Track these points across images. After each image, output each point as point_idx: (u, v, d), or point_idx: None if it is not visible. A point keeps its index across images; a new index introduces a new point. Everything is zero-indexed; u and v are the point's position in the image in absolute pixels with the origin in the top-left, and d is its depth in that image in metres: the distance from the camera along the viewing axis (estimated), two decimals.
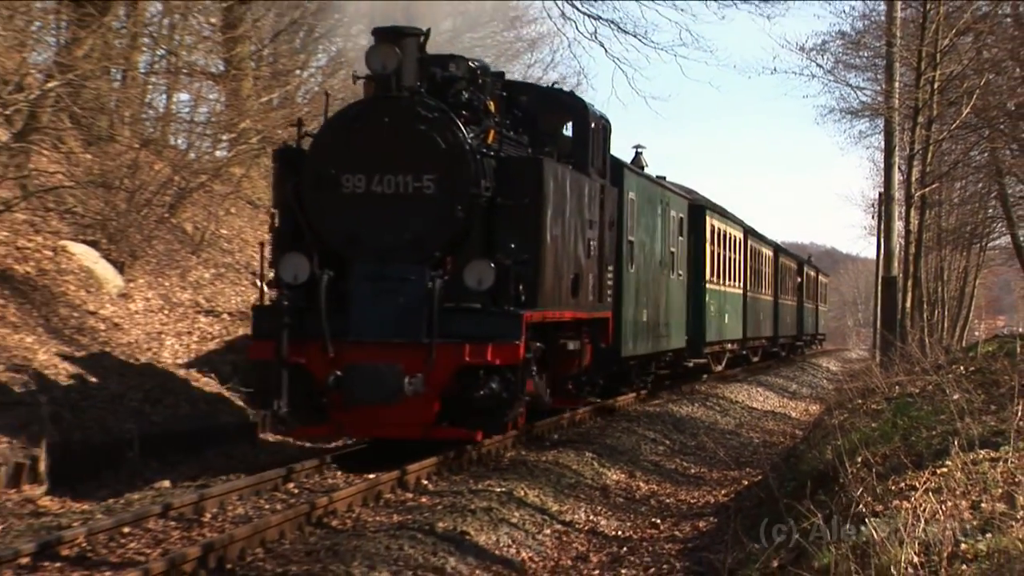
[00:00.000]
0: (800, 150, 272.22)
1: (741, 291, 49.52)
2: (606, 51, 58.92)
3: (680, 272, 38.14)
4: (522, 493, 18.80)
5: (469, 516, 16.56)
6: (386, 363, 19.50)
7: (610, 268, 27.86)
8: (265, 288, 22.40)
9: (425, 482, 19.43)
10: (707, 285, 41.89)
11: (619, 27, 47.41)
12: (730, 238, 47.68)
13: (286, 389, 19.61)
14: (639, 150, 37.62)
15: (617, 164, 30.31)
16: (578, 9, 41.37)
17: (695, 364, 41.54)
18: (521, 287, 20.65)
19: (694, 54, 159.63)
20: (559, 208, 22.60)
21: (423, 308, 19.90)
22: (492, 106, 22.98)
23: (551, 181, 22.06)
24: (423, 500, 18.04)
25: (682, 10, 77.47)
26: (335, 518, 16.38)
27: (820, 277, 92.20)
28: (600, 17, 43.38)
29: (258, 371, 21.29)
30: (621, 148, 43.38)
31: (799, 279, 72.62)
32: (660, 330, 34.87)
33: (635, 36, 47.31)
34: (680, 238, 38.30)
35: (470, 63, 22.94)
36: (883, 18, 42.79)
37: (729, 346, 47.82)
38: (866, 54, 50.40)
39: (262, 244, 24.06)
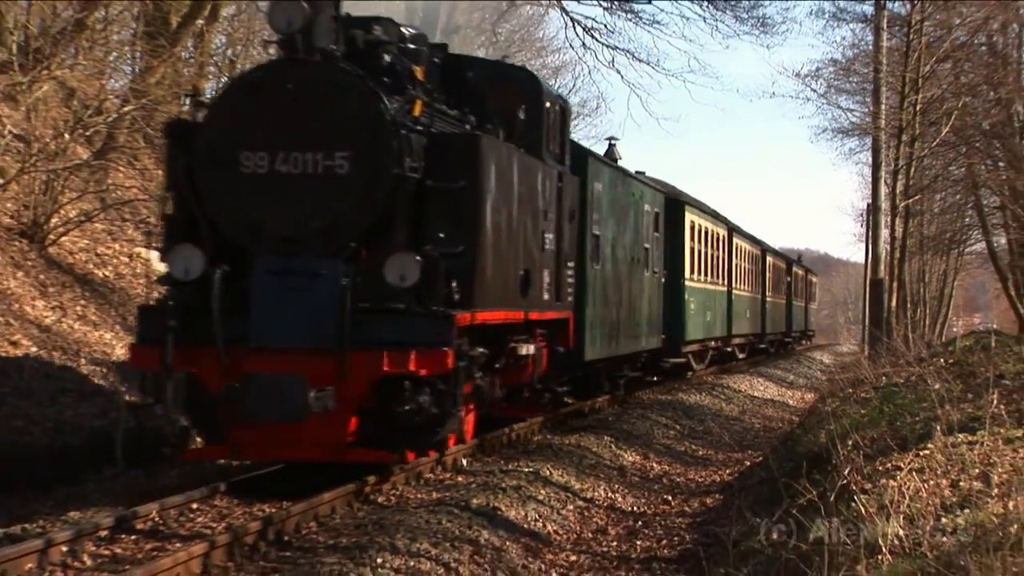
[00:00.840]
0: (796, 165, 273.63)
1: (725, 288, 44.98)
2: (622, 77, 59.17)
3: (656, 269, 33.10)
4: (548, 473, 18.79)
5: (500, 493, 16.56)
6: (288, 373, 15.21)
7: (571, 264, 23.18)
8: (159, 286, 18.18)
9: (462, 463, 19.41)
10: (686, 282, 36.74)
11: (634, 56, 47.46)
12: (713, 235, 42.47)
13: (172, 404, 15.61)
14: (612, 142, 33.58)
15: (580, 152, 25.90)
16: (597, 40, 41.35)
17: (673, 364, 36.36)
18: (454, 284, 16.36)
19: (701, 80, 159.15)
20: (504, 194, 18.41)
21: (335, 309, 15.60)
22: (419, 73, 18.25)
23: (491, 162, 17.72)
24: (459, 479, 18.04)
25: (690, 40, 78.28)
26: (381, 495, 16.38)
27: (810, 276, 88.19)
28: (617, 47, 43.38)
29: (141, 383, 16.52)
30: (631, 163, 38.28)
31: (788, 278, 68.78)
32: (633, 330, 30.18)
33: (648, 64, 47.36)
34: (656, 234, 33.26)
35: (403, 29, 18.88)
36: (871, 47, 42.70)
37: (712, 344, 43.00)
38: (855, 79, 50.50)
39: (149, 235, 21.42)
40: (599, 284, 26.37)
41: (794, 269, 72.29)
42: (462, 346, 16.41)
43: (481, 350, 17.67)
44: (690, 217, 37.50)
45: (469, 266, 16.78)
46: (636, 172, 34.02)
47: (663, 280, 34.11)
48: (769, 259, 59.50)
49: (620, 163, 32.09)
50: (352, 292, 15.54)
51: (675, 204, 36.37)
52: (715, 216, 44.53)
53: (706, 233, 40.71)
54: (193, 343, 15.60)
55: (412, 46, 18.66)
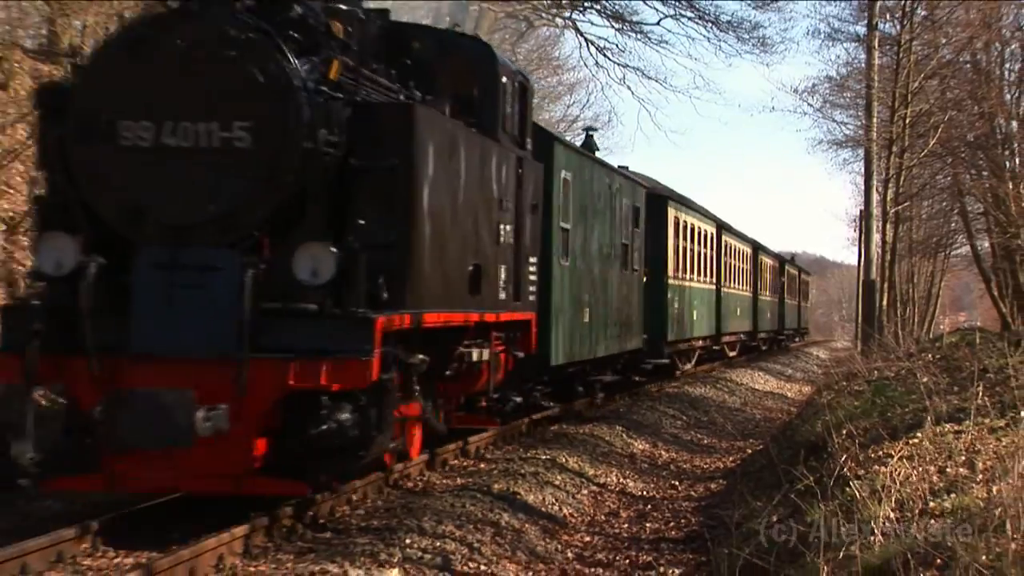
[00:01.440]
0: (794, 174, 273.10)
1: (713, 287, 41.02)
2: (632, 93, 58.98)
3: (636, 267, 29.35)
4: (564, 460, 18.79)
5: (520, 479, 16.56)
6: (171, 388, 11.92)
7: (534, 260, 19.44)
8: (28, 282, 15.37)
9: (483, 451, 19.38)
10: (669, 280, 32.76)
11: (643, 73, 47.54)
12: (699, 232, 38.40)
13: (32, 424, 12.15)
14: (590, 132, 30.56)
15: (546, 137, 22.13)
16: (609, 58, 41.42)
17: (655, 365, 32.16)
18: (382, 281, 12.91)
19: (706, 95, 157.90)
20: (447, 177, 14.72)
21: (233, 310, 12.22)
22: (337, 29, 14.32)
23: (430, 138, 14.08)
24: (481, 466, 18.04)
25: (696, 59, 77.59)
26: (409, 480, 16.38)
27: (803, 276, 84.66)
28: (627, 65, 43.48)
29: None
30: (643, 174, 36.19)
31: (782, 278, 65.86)
32: (610, 331, 26.56)
33: (657, 80, 47.70)
34: (636, 229, 29.40)
35: None
36: (863, 65, 42.68)
37: (699, 343, 39.06)
38: (849, 95, 50.54)
39: (11, 220, 17.86)
40: (568, 282, 22.94)
41: (787, 268, 69.72)
42: (391, 354, 12.85)
43: (421, 357, 14.20)
44: (673, 213, 33.90)
45: (402, 260, 13.36)
46: (619, 167, 30.68)
47: (644, 278, 30.67)
48: (761, 258, 56.79)
49: (598, 156, 29.08)
50: (254, 290, 12.28)
51: (657, 199, 32.74)
52: (703, 213, 40.73)
53: (692, 230, 36.95)
54: (64, 351, 12.35)
55: (337, 5, 14.88)
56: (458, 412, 18.29)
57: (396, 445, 13.90)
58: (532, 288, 19.50)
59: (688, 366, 38.32)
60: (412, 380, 14.07)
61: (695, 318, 36.72)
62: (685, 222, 35.74)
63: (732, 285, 45.78)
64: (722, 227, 43.79)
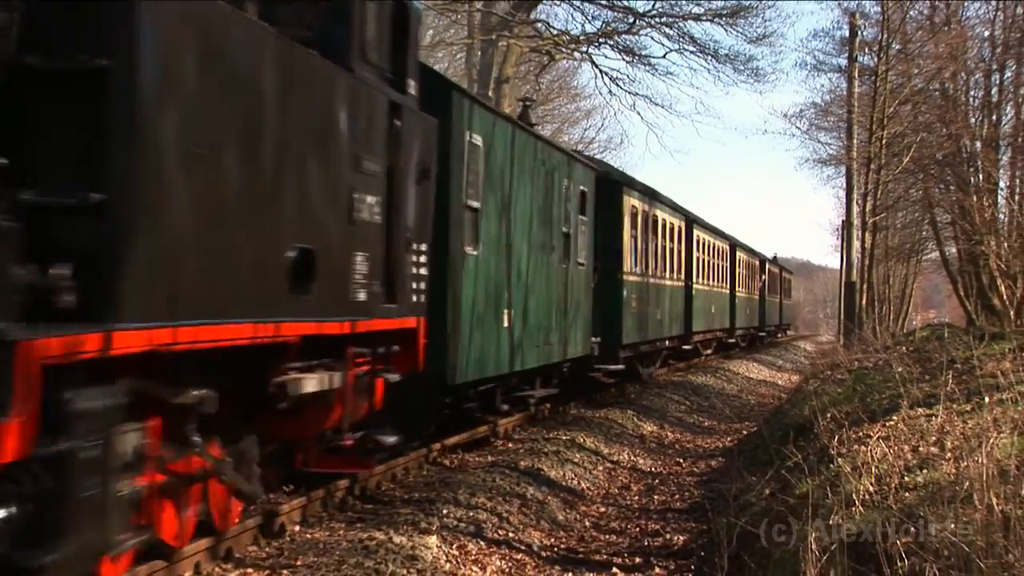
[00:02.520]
0: (784, 187, 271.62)
1: (682, 284, 34.24)
2: (642, 118, 59.33)
3: (582, 260, 22.44)
4: (582, 440, 18.79)
5: (543, 457, 16.57)
6: None
7: (422, 247, 12.59)
8: None
9: (511, 432, 19.38)
10: (625, 276, 25.73)
11: (651, 100, 48.38)
12: (665, 225, 31.06)
13: None
14: (526, 104, 23.56)
15: (443, 86, 15.51)
16: (621, 87, 41.45)
17: (606, 373, 25.15)
18: (68, 270, 6.71)
19: (706, 119, 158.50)
20: (234, 107, 8.22)
21: None
22: None
23: (188, 36, 7.53)
24: (509, 445, 18.04)
25: (697, 87, 78.97)
26: (446, 458, 16.40)
27: (784, 274, 79.02)
28: (637, 93, 43.94)
29: None
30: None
31: (763, 275, 60.43)
32: (548, 336, 20.09)
33: (663, 107, 48.19)
34: (582, 217, 22.47)
35: None
36: (844, 93, 42.72)
37: (665, 344, 31.59)
38: (832, 119, 51.11)
39: None
40: (481, 278, 16.52)
41: (768, 266, 64.33)
42: (81, 402, 6.67)
43: (206, 392, 8.39)
44: (631, 201, 26.84)
45: (117, 234, 6.96)
46: (576, 152, 25.47)
47: (593, 274, 23.96)
48: (740, 255, 50.83)
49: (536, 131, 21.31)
50: None
51: (611, 185, 25.58)
52: (671, 207, 33.28)
53: (654, 222, 29.65)
54: None
55: None
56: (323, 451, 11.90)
57: (134, 539, 7.90)
58: (419, 285, 12.72)
59: (651, 369, 30.81)
60: (188, 427, 8.42)
61: (660, 317, 29.77)
62: (647, 213, 28.63)
63: (705, 282, 39.61)
64: (693, 221, 37.02)
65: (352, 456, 12.05)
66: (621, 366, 25.51)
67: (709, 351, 43.14)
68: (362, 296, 10.89)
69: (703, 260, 38.52)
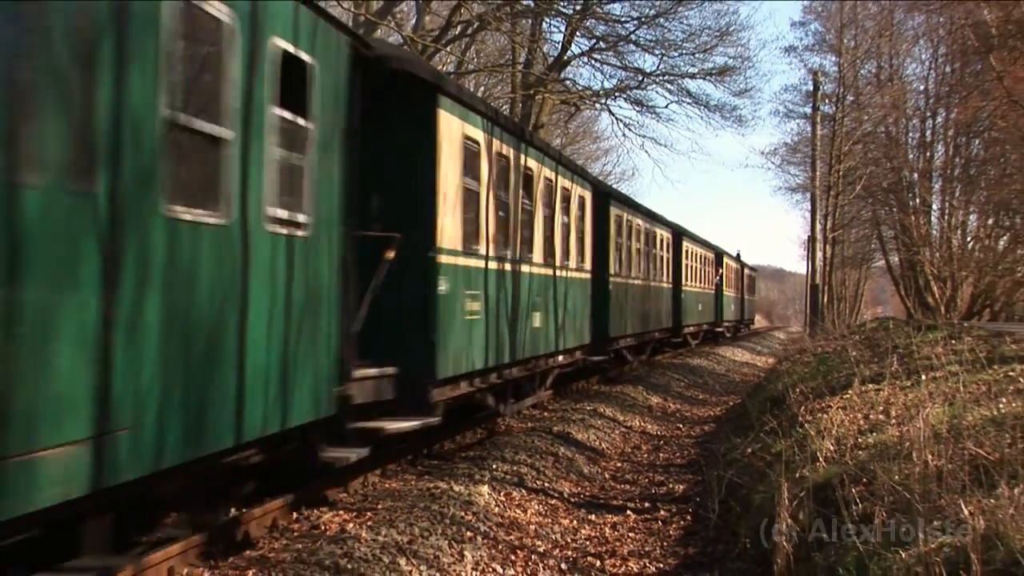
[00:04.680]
0: (762, 208, 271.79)
1: (588, 275, 20.33)
2: (648, 155, 59.81)
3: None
4: (602, 410, 18.73)
5: (571, 423, 16.52)
6: None
7: None
8: None
9: (547, 404, 19.33)
10: (441, 258, 11.33)
11: (656, 141, 48.27)
12: (553, 190, 17.34)
13: None
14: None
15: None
16: (632, 131, 41.71)
17: (408, 428, 10.53)
18: None
19: (700, 156, 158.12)
20: None
21: None
22: None
23: None
24: (545, 414, 17.99)
25: (692, 131, 78.12)
26: (496, 426, 16.37)
27: (747, 271, 65.10)
28: (645, 136, 44.29)
29: None
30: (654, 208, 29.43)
31: (720, 269, 46.60)
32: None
33: (665, 146, 48.32)
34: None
35: None
36: (810, 135, 42.61)
37: (558, 360, 18.27)
38: (799, 155, 51.19)
39: None
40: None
41: (726, 261, 49.58)
42: None
43: None
44: (489, 139, 13.24)
45: None
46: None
47: (338, 253, 9.23)
48: (688, 246, 35.98)
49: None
50: None
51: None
52: (569, 167, 19.07)
53: (540, 182, 16.31)
54: None
55: None
56: None
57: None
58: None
59: (513, 407, 16.13)
60: None
61: (539, 324, 16.06)
62: (521, 163, 15.27)
63: (630, 273, 25.00)
64: (609, 195, 23.32)
65: None
66: (442, 399, 11.98)
67: (644, 355, 28.89)
68: None
69: (630, 248, 24.84)
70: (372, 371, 10.13)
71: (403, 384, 10.74)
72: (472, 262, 12.63)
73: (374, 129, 10.65)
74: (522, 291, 15.10)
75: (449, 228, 11.65)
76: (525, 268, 15.31)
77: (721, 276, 46.33)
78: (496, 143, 13.75)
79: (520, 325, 15.01)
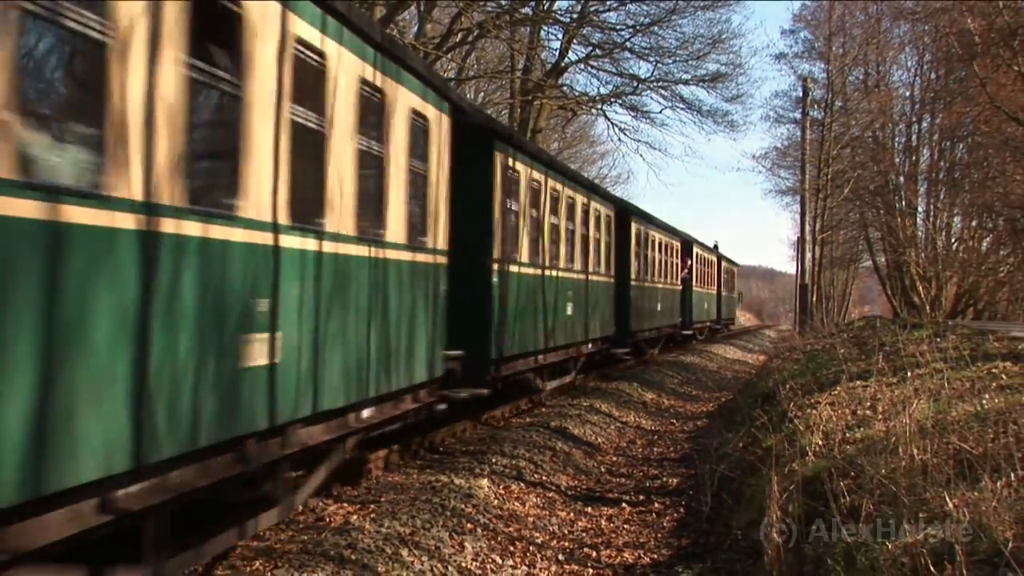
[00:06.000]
0: (754, 210, 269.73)
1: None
2: (643, 159, 60.20)
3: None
4: (598, 406, 18.74)
5: (568, 419, 16.52)
6: None
7: None
8: None
9: (546, 399, 19.33)
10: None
11: (651, 145, 48.67)
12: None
13: None
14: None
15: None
16: (627, 135, 41.72)
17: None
18: None
19: (693, 159, 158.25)
20: None
21: None
22: None
23: None
24: (543, 410, 18.00)
25: (685, 135, 79.12)
26: (494, 421, 16.40)
27: (726, 264, 53.28)
28: (640, 140, 44.33)
29: None
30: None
31: (688, 260, 37.16)
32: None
33: (659, 150, 48.70)
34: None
35: None
36: (799, 139, 42.67)
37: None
38: (789, 159, 51.14)
39: None
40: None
41: (695, 251, 39.44)
42: None
43: None
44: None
45: None
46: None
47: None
48: (636, 228, 26.06)
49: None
50: None
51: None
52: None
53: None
54: None
55: None
56: None
57: None
58: None
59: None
60: None
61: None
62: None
63: (564, 264, 18.36)
64: (549, 165, 17.52)
65: None
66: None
67: (571, 377, 20.98)
68: None
69: (555, 229, 17.00)
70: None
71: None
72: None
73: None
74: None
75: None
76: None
77: (690, 269, 37.60)
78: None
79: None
